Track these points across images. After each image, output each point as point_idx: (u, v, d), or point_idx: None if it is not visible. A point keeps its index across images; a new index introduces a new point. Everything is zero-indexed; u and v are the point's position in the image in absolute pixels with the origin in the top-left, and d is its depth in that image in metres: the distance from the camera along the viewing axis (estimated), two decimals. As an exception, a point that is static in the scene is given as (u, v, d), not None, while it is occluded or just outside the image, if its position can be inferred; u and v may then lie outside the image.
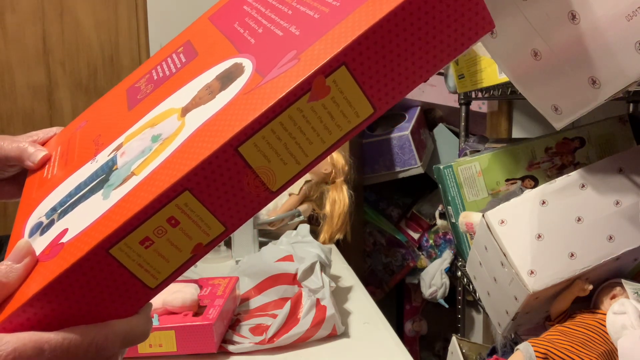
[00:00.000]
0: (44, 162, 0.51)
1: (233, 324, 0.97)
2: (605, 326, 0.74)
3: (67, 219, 0.38)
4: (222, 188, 0.34)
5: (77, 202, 0.39)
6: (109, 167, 0.40)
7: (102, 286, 0.35)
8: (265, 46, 0.39)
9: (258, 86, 0.35)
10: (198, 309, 0.91)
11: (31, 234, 0.40)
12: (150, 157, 0.37)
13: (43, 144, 0.56)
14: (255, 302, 1.04)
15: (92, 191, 0.39)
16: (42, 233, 0.39)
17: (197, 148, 0.34)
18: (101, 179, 0.39)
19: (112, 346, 0.36)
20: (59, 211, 0.40)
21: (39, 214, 0.42)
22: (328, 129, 0.35)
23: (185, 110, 0.39)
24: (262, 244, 1.29)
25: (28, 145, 0.52)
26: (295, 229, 1.25)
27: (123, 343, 0.36)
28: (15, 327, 0.34)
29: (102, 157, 0.42)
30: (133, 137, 0.41)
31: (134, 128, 0.43)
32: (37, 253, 0.37)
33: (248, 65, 0.38)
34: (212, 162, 0.34)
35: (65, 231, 0.37)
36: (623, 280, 0.78)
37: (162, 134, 0.38)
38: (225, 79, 0.39)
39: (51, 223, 0.39)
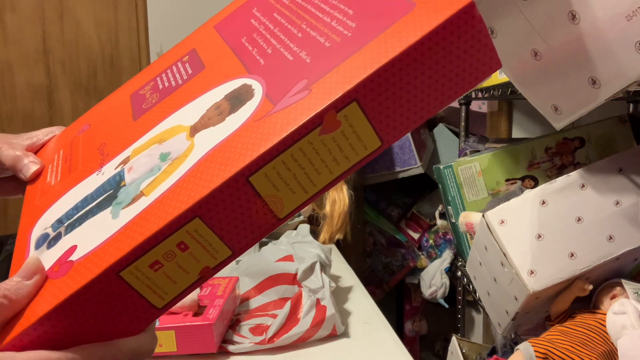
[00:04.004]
0: (36, 175, 0.51)
1: (233, 324, 0.97)
2: (605, 326, 0.74)
3: (75, 235, 0.39)
4: (232, 215, 0.35)
5: (84, 217, 0.40)
6: (117, 183, 0.40)
7: (111, 306, 0.35)
8: (274, 69, 0.39)
9: (269, 114, 0.36)
10: (198, 309, 0.91)
11: (37, 246, 0.40)
12: (160, 178, 0.38)
13: (42, 145, 0.55)
14: (255, 302, 1.04)
15: (100, 207, 0.39)
16: (49, 246, 0.39)
17: (208, 175, 0.35)
18: (109, 195, 0.40)
19: None
20: (65, 224, 0.40)
21: (44, 224, 0.42)
22: (336, 161, 0.36)
23: (194, 130, 0.40)
24: (262, 244, 1.29)
25: (23, 156, 0.52)
26: (295, 229, 1.25)
27: None
28: (25, 344, 0.34)
29: (109, 170, 0.42)
30: (140, 151, 0.42)
31: (140, 142, 0.43)
32: (46, 268, 0.37)
33: (258, 88, 0.39)
34: (224, 191, 0.34)
35: (74, 248, 0.37)
36: (623, 280, 0.79)
37: (171, 153, 0.39)
38: (235, 100, 0.39)
39: (58, 236, 0.40)
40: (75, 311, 0.35)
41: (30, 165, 0.51)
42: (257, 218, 0.36)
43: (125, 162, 0.42)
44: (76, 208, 0.41)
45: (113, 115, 0.51)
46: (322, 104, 0.34)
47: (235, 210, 0.35)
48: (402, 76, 0.34)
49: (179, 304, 0.90)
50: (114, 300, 0.35)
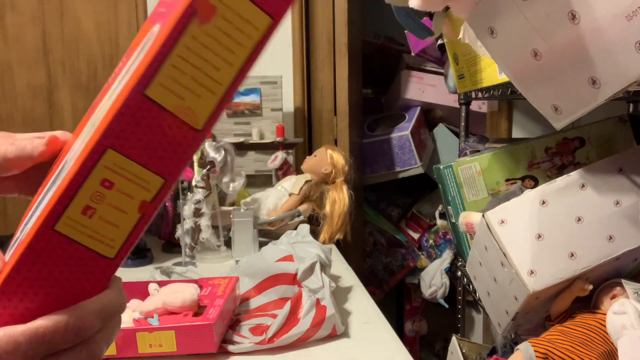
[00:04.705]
0: (51, 142, 0.50)
1: (233, 324, 0.97)
2: (605, 326, 0.74)
3: (29, 224, 0.39)
4: (145, 138, 0.34)
5: (37, 209, 0.40)
6: (60, 169, 0.40)
7: (61, 266, 0.35)
8: (169, 8, 0.39)
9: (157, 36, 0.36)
10: (198, 309, 0.91)
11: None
12: (84, 142, 0.37)
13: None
14: (255, 302, 1.04)
15: (48, 194, 0.40)
16: (12, 246, 0.40)
17: (111, 109, 0.34)
18: (53, 181, 0.40)
19: (90, 325, 0.36)
20: (25, 224, 0.41)
21: (15, 239, 0.43)
22: (231, 50, 0.35)
23: (112, 94, 0.40)
24: (262, 244, 1.29)
25: (26, 144, 0.51)
26: (295, 229, 1.25)
27: (100, 320, 0.36)
28: None
29: (59, 170, 0.43)
30: (80, 139, 0.42)
31: (82, 134, 0.43)
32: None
33: (156, 28, 0.39)
34: (125, 113, 0.33)
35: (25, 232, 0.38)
36: (623, 280, 0.79)
37: (95, 122, 0.39)
38: (142, 49, 0.39)
39: (20, 235, 0.40)
40: (26, 279, 0.34)
41: (37, 141, 0.50)
42: (173, 135, 0.35)
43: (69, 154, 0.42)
44: (34, 210, 0.41)
45: (73, 139, 0.52)
46: None
47: (146, 131, 0.34)
48: None
49: (179, 304, 0.90)
50: (61, 259, 0.34)
